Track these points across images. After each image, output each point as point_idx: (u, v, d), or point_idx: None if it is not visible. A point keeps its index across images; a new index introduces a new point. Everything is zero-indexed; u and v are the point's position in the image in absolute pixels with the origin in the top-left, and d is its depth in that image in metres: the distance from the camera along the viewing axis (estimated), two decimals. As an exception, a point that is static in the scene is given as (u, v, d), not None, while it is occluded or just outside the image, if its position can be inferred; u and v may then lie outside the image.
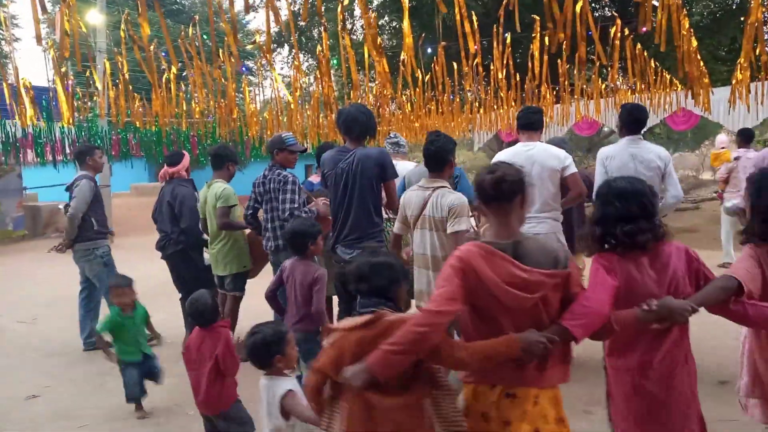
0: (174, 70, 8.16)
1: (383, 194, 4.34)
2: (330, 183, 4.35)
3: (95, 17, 14.94)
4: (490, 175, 2.18)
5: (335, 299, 5.03)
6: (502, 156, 4.52)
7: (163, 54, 8.57)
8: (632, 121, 4.53)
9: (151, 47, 6.80)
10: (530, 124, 4.60)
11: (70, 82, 8.31)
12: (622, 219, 2.38)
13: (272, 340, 2.76)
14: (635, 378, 2.40)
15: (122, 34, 7.02)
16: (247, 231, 5.58)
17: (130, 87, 9.01)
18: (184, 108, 10.19)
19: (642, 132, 4.63)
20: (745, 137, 8.33)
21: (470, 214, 4.05)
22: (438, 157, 3.87)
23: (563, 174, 4.30)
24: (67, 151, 15.09)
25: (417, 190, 3.93)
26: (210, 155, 5.61)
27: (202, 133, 14.82)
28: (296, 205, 4.65)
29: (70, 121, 6.90)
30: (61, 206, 16.59)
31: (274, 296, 3.99)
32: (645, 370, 2.38)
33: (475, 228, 4.04)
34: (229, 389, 3.39)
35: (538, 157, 4.34)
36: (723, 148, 10.55)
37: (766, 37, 7.48)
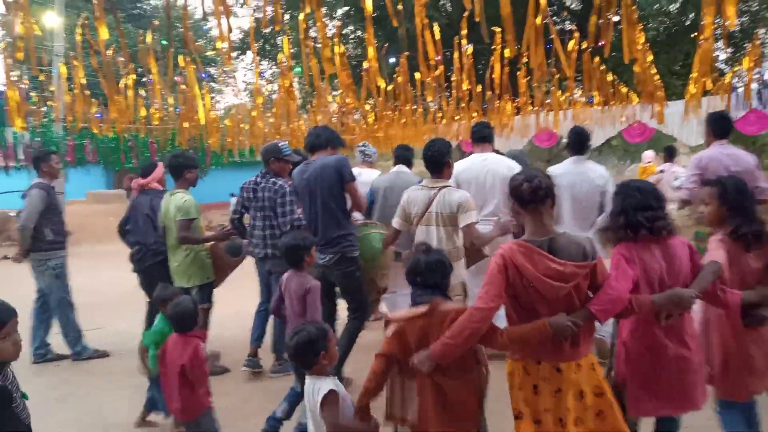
0: (132, 75, 8.01)
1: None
2: (300, 195, 4.64)
3: (52, 20, 14.59)
4: (528, 183, 2.56)
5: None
6: (462, 165, 5.07)
7: (122, 59, 8.42)
8: (578, 142, 5.11)
9: (109, 52, 6.67)
10: (484, 137, 5.21)
11: (23, 86, 8.09)
12: (642, 208, 2.75)
13: (316, 337, 2.74)
14: (657, 356, 2.76)
15: (78, 38, 6.86)
16: (209, 243, 5.50)
17: (87, 92, 8.81)
18: (143, 114, 10.00)
19: (590, 149, 5.15)
20: (669, 153, 9.44)
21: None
22: (435, 160, 4.24)
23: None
24: (20, 157, 14.64)
25: (421, 189, 4.25)
26: (167, 166, 5.41)
27: (161, 139, 14.56)
28: (296, 216, 4.79)
29: (23, 126, 6.69)
30: (12, 213, 16.10)
31: (278, 309, 4.01)
32: (665, 348, 2.75)
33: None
34: (200, 398, 3.36)
35: (491, 166, 4.94)
36: (649, 162, 11.54)
37: (716, 54, 7.72)
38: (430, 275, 2.68)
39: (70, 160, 15.14)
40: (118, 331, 6.88)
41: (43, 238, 5.62)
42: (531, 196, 2.54)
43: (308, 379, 2.79)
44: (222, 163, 16.67)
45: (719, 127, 5.00)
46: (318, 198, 4.45)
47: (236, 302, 6.22)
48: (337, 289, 4.73)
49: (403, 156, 5.57)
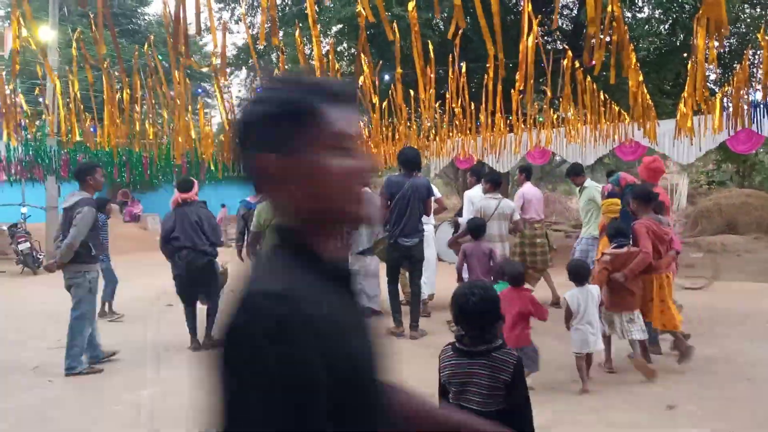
0: (127, 90, 8.03)
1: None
2: (397, 198, 6.78)
3: (46, 34, 14.61)
4: (655, 193, 5.64)
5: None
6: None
7: (116, 74, 8.44)
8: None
9: (104, 65, 6.69)
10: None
11: (17, 99, 8.09)
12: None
13: (589, 266, 5.68)
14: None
15: (74, 52, 6.88)
16: None
17: (82, 106, 8.81)
18: (137, 129, 10.00)
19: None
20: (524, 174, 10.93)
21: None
22: (497, 181, 7.42)
23: (435, 196, 7.36)
24: (12, 171, 14.59)
25: (489, 200, 7.19)
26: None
27: (155, 154, 14.55)
28: None
29: (12, 138, 6.66)
30: (5, 227, 15.98)
31: (460, 270, 6.37)
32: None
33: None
34: (527, 334, 4.76)
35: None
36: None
37: (706, 74, 7.81)
38: (628, 231, 5.38)
39: (63, 174, 15.10)
40: (116, 343, 6.85)
41: (88, 253, 5.80)
42: (653, 198, 5.54)
43: (578, 290, 5.05)
44: (216, 177, 16.67)
45: (528, 174, 8.85)
46: (412, 204, 6.78)
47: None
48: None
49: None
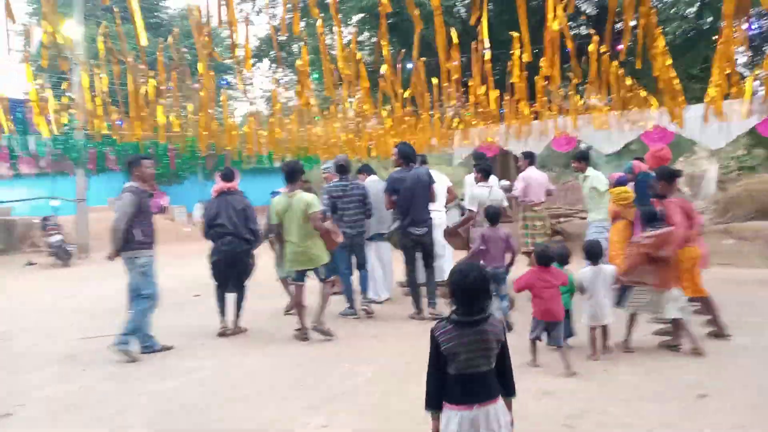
0: (153, 82, 8.11)
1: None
2: (402, 190, 7.11)
3: (73, 29, 14.79)
4: (678, 171, 6.00)
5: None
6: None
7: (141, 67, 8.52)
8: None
9: (129, 59, 6.76)
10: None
11: (45, 94, 8.22)
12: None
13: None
14: None
15: (100, 46, 6.96)
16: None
17: (110, 100, 8.92)
18: (162, 121, 10.09)
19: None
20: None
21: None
22: (487, 171, 7.63)
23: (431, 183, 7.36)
24: (42, 164, 14.83)
25: (481, 188, 7.44)
26: (286, 171, 6.52)
27: (180, 146, 14.69)
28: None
29: (45, 130, 6.77)
30: (36, 220, 16.30)
31: (478, 253, 6.54)
32: None
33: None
34: (561, 308, 5.20)
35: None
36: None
37: (735, 57, 7.64)
38: (659, 215, 5.53)
39: (91, 167, 15.32)
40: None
41: (134, 239, 6.00)
42: (677, 175, 5.84)
43: (590, 268, 5.48)
44: (241, 169, 16.81)
45: (531, 159, 8.87)
46: (417, 193, 7.08)
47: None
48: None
49: (369, 169, 8.71)
